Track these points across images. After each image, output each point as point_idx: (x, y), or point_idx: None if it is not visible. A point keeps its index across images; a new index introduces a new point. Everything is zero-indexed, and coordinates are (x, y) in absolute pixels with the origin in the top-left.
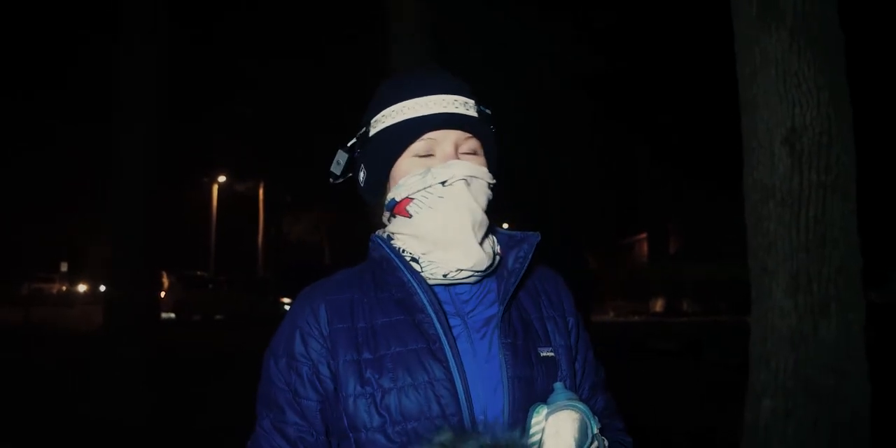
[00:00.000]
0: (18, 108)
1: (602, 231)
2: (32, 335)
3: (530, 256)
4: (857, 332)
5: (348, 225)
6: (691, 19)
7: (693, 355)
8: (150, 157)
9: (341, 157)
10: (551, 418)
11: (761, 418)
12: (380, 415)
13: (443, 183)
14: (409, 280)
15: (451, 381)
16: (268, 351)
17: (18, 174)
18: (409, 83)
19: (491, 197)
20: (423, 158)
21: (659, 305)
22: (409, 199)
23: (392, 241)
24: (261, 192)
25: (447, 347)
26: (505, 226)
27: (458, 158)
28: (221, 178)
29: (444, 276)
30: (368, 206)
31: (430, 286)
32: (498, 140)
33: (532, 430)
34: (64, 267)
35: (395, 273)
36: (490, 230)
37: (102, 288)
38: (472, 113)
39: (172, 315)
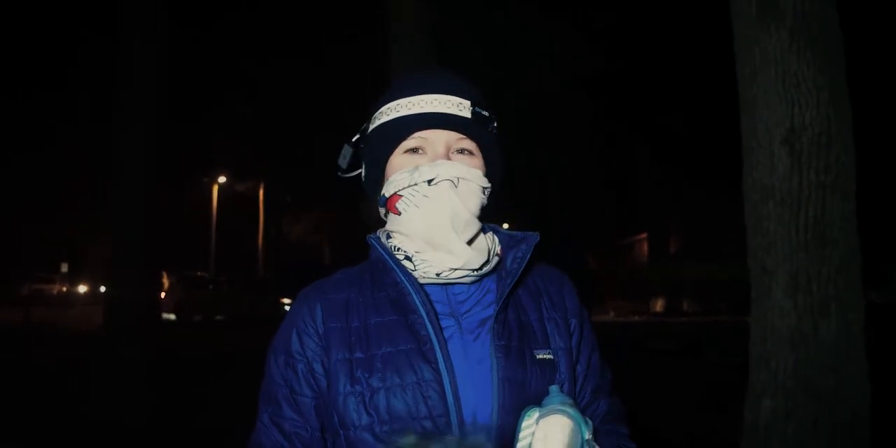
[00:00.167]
0: (18, 108)
1: (602, 231)
2: (32, 335)
3: (528, 257)
4: (856, 332)
5: (348, 225)
6: (691, 19)
7: (693, 355)
8: (150, 157)
9: (347, 152)
10: (542, 422)
11: (761, 418)
12: (368, 414)
13: (429, 182)
14: (402, 280)
15: (440, 382)
16: (269, 348)
17: (18, 174)
18: (409, 82)
19: (485, 199)
20: (415, 156)
21: (659, 305)
22: (397, 196)
23: (390, 239)
24: (261, 192)
25: (437, 349)
26: (505, 226)
27: (450, 159)
28: (221, 179)
29: (438, 275)
30: (370, 202)
31: (423, 286)
32: (499, 142)
33: (521, 434)
34: (64, 267)
35: (389, 273)
36: (491, 230)
37: (102, 288)
38: (466, 114)
39: (173, 316)
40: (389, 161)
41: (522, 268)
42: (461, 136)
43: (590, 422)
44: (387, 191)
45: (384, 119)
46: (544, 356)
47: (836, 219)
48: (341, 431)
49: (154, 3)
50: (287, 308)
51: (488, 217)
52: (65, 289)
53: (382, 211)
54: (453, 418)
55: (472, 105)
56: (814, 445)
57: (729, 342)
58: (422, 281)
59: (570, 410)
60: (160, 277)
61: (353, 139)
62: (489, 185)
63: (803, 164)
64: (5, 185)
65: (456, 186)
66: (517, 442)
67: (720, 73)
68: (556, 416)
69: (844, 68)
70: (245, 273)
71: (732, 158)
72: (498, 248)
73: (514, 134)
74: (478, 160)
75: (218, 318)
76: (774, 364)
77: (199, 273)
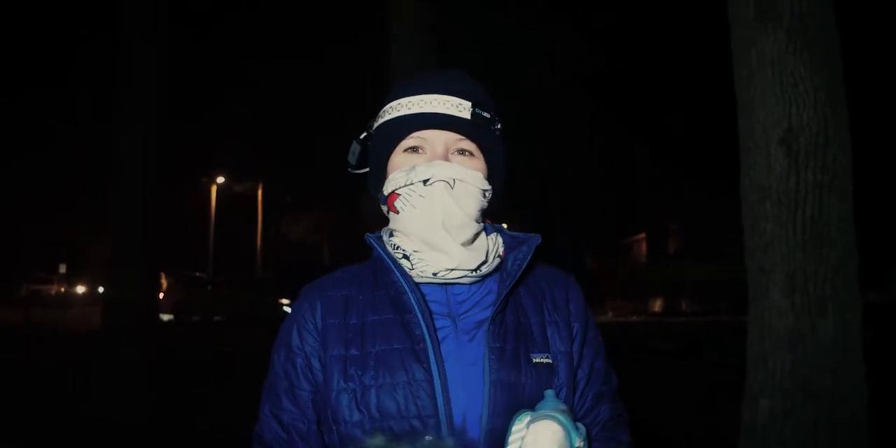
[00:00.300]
0: (18, 108)
1: (602, 231)
2: (32, 335)
3: (528, 258)
4: (854, 332)
5: (348, 225)
6: (691, 19)
7: (693, 355)
8: (150, 157)
9: (355, 148)
10: (532, 427)
11: (759, 418)
12: (359, 411)
13: (424, 182)
14: (398, 279)
15: (430, 382)
16: (275, 342)
17: (18, 174)
18: (413, 81)
19: (485, 201)
20: (413, 156)
21: (658, 305)
22: (395, 195)
23: (392, 238)
24: (259, 192)
25: (430, 349)
26: (504, 226)
27: (448, 160)
28: (220, 179)
29: (435, 274)
30: (373, 200)
31: (418, 285)
32: (502, 144)
33: (511, 438)
34: (62, 268)
35: (387, 272)
36: (495, 231)
37: (101, 289)
38: (465, 115)
39: (171, 316)
40: (390, 159)
41: (522, 269)
42: (460, 136)
43: (582, 429)
44: (386, 189)
45: (386, 118)
46: (541, 360)
47: (833, 219)
48: (334, 426)
49: (154, 3)
50: (286, 308)
51: (494, 218)
52: (63, 289)
53: (385, 209)
54: (442, 419)
55: (473, 106)
56: (812, 445)
57: (729, 342)
58: (418, 280)
59: (561, 417)
60: (159, 278)
61: (361, 136)
62: (489, 187)
63: (800, 165)
64: (5, 185)
65: (452, 188)
66: (506, 445)
67: (720, 73)
68: (546, 421)
69: (841, 69)
70: (244, 273)
71: (732, 158)
72: (500, 250)
73: (514, 134)
74: (478, 162)
75: (217, 318)
76: (772, 364)
77: (197, 273)
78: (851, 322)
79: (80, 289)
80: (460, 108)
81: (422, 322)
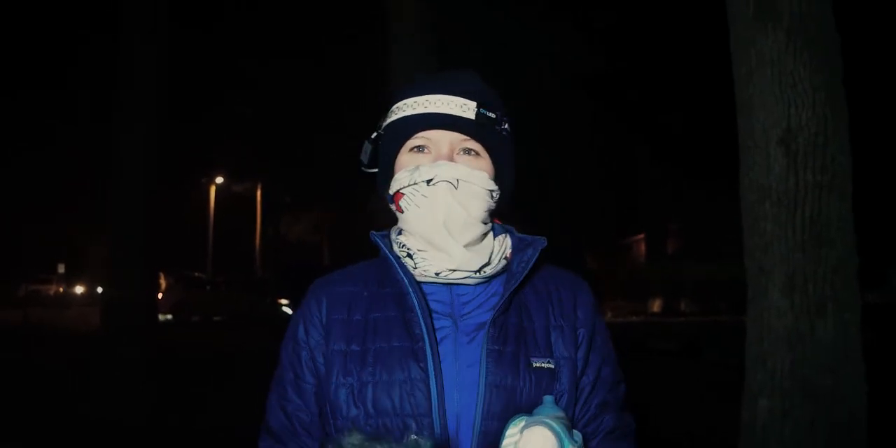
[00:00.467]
0: (18, 108)
1: (602, 231)
2: (32, 335)
3: (533, 261)
4: (853, 332)
5: (348, 225)
6: (691, 19)
7: (693, 355)
8: (150, 157)
9: (367, 147)
10: (525, 432)
11: (758, 418)
12: (356, 406)
13: (428, 182)
14: (402, 278)
15: (426, 382)
16: (284, 335)
17: (18, 174)
18: (420, 82)
19: (492, 201)
20: (419, 155)
21: (657, 305)
22: (400, 194)
23: (400, 236)
24: (258, 192)
25: (428, 348)
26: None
27: (453, 160)
28: (220, 179)
29: (437, 274)
30: (381, 199)
31: (420, 285)
32: (510, 144)
33: (504, 442)
34: (61, 268)
35: (391, 270)
36: (505, 232)
37: (99, 289)
38: (470, 115)
39: (170, 316)
40: (397, 159)
41: (526, 272)
42: (465, 137)
43: (579, 437)
44: (392, 188)
45: (393, 117)
46: (542, 364)
47: (832, 219)
48: (332, 420)
49: (154, 3)
50: (285, 309)
51: (505, 218)
52: (61, 289)
53: (393, 207)
54: (436, 419)
55: (478, 106)
56: (811, 446)
57: (728, 342)
58: (422, 279)
59: (555, 423)
60: (158, 278)
61: (372, 136)
62: (495, 187)
63: (799, 165)
64: (5, 185)
65: (456, 188)
66: None
67: (720, 73)
68: (539, 427)
69: (841, 69)
70: (243, 273)
71: (732, 158)
72: (508, 252)
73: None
74: (484, 162)
75: (216, 318)
76: (771, 364)
77: (196, 273)
78: (851, 322)
79: (79, 289)
80: (465, 108)
81: (421, 321)
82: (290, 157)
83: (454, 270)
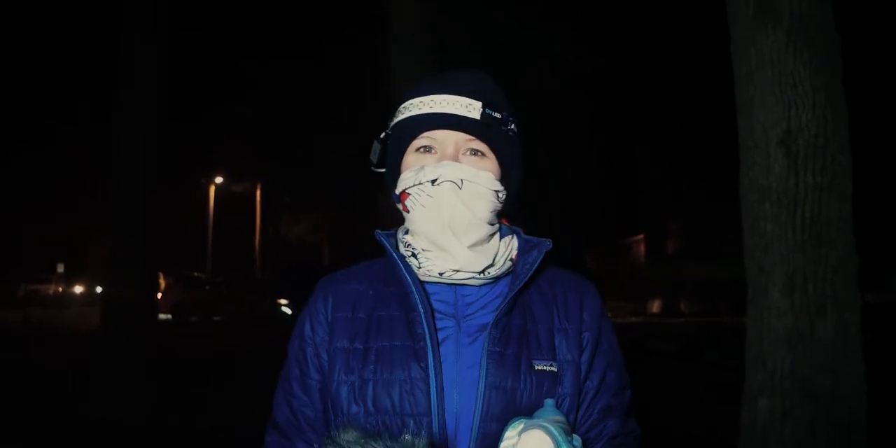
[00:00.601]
0: (18, 108)
1: (602, 231)
2: (32, 335)
3: (537, 263)
4: (853, 332)
5: (348, 225)
6: (691, 19)
7: (692, 356)
8: (150, 157)
9: (376, 147)
10: (522, 435)
11: (758, 418)
12: (357, 404)
13: (432, 182)
14: (405, 278)
15: (426, 382)
16: (293, 331)
17: (18, 174)
18: (427, 81)
19: (498, 202)
20: (425, 155)
21: (657, 306)
22: (406, 194)
23: (406, 235)
24: (258, 192)
25: (430, 348)
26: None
27: (458, 160)
28: (219, 179)
29: (441, 274)
30: (389, 198)
31: (423, 284)
32: (517, 144)
33: (502, 444)
34: (60, 268)
35: (395, 269)
36: (513, 233)
37: (98, 289)
38: (475, 115)
39: (169, 316)
40: (403, 158)
41: (530, 274)
42: (470, 137)
43: (578, 442)
44: (398, 188)
45: (400, 117)
46: (545, 367)
47: (832, 219)
48: (333, 417)
49: (154, 3)
50: (284, 309)
51: (513, 219)
52: (60, 289)
53: (400, 207)
54: (435, 418)
55: (483, 106)
56: (811, 446)
57: (728, 343)
58: (426, 279)
59: (553, 427)
60: (157, 278)
61: (381, 135)
62: (501, 187)
63: (800, 166)
64: (5, 185)
65: (460, 188)
66: None
67: (720, 73)
68: (536, 430)
69: (841, 69)
70: (243, 273)
71: (731, 159)
72: (514, 253)
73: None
74: (489, 162)
75: (216, 318)
76: (771, 364)
77: (196, 273)
78: (851, 322)
79: (78, 289)
80: (470, 108)
81: (423, 321)
82: (290, 157)
83: (457, 271)
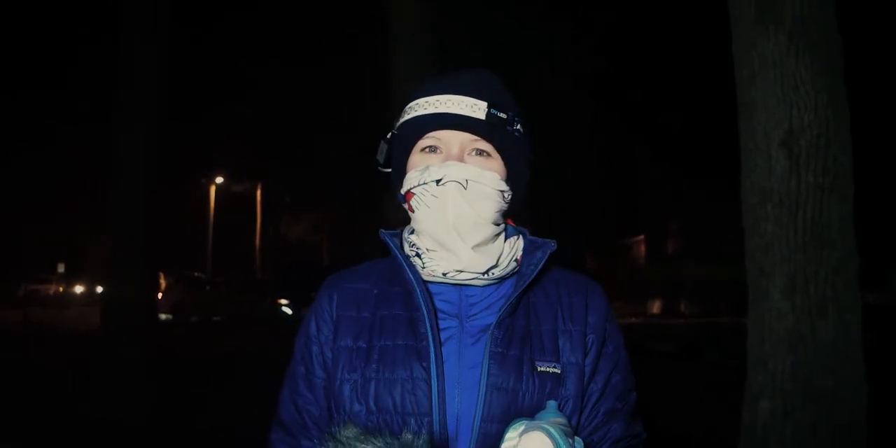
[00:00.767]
0: (18, 108)
1: (602, 231)
2: (32, 335)
3: (541, 264)
4: (854, 333)
5: (348, 225)
6: (692, 19)
7: (692, 357)
8: (150, 157)
9: (383, 147)
10: (523, 437)
11: (759, 419)
12: (359, 402)
13: (437, 182)
14: (409, 277)
15: (428, 381)
16: (299, 330)
17: (18, 174)
18: (433, 81)
19: (504, 202)
20: (430, 155)
21: (657, 307)
22: (411, 194)
23: (412, 235)
24: (258, 192)
25: (432, 348)
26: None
27: (464, 160)
28: (220, 179)
29: (444, 274)
30: (395, 198)
31: (427, 284)
32: (523, 144)
33: (503, 446)
34: (61, 268)
35: (399, 269)
36: (519, 234)
37: (99, 289)
38: (480, 115)
39: (169, 316)
40: (409, 158)
41: (534, 275)
42: (475, 137)
43: (580, 445)
44: (403, 187)
45: (405, 117)
46: (548, 369)
47: (833, 220)
48: (335, 415)
49: (154, 3)
50: (284, 309)
51: (519, 220)
52: (60, 289)
53: (405, 207)
54: (436, 419)
55: (489, 106)
56: (812, 447)
57: (728, 344)
58: (430, 279)
59: (553, 429)
60: (158, 278)
61: (388, 135)
62: (507, 187)
63: (801, 167)
64: (5, 185)
65: (465, 188)
66: None
67: (720, 73)
68: (537, 432)
69: (842, 71)
70: (242, 274)
71: (732, 159)
72: (519, 254)
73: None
74: (495, 162)
75: (216, 318)
76: (772, 365)
77: (196, 273)
78: (852, 323)
79: (79, 289)
80: (475, 108)
81: (426, 321)
82: (290, 157)
83: (461, 271)
